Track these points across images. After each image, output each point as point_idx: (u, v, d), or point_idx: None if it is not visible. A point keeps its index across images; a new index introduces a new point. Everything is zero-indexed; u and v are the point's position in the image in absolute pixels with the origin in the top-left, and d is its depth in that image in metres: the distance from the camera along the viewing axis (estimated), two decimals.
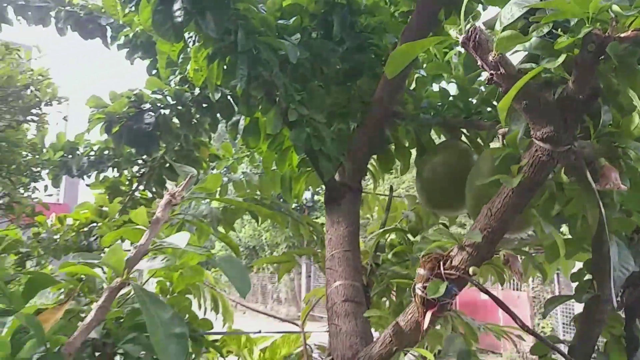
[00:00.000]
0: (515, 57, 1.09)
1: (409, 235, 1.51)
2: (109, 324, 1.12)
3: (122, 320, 1.17)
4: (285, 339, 2.63)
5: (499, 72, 0.95)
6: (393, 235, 1.92)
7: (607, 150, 1.15)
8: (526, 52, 1.04)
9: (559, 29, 0.95)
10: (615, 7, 0.80)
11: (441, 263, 1.12)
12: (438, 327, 1.82)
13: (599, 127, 1.10)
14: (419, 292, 1.13)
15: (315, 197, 14.18)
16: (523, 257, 2.01)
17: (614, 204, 1.25)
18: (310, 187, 2.12)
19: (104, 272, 0.90)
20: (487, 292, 1.15)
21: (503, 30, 0.93)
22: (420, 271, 1.14)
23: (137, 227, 0.93)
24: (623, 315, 1.48)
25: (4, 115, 2.42)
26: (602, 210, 1.08)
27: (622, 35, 0.86)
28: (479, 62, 0.99)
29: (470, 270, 1.09)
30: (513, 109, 1.09)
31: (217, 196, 2.32)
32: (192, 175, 1.02)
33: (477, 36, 0.97)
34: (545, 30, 0.97)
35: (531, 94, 0.99)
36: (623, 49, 0.91)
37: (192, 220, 1.38)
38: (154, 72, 2.87)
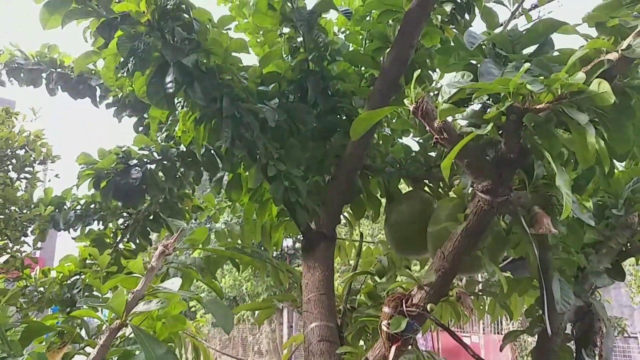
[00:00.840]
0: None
1: (376, 278, 1.65)
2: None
3: None
4: None
5: (442, 136, 1.14)
6: (369, 280, 2.06)
7: (542, 199, 1.34)
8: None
9: (491, 100, 1.16)
10: (528, 86, 1.00)
11: (403, 301, 1.27)
12: None
13: (532, 180, 1.29)
14: (384, 328, 1.27)
15: (297, 245, 14.22)
16: (490, 298, 2.17)
17: (554, 246, 1.44)
18: (291, 235, 2.25)
19: (105, 316, 1.02)
20: (444, 327, 1.30)
21: (444, 103, 1.13)
22: (385, 309, 1.29)
23: (133, 274, 1.07)
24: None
25: (0, 174, 2.55)
26: (537, 252, 1.25)
27: (538, 107, 1.06)
28: (427, 128, 1.18)
29: (429, 307, 1.24)
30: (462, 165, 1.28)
31: (200, 246, 2.44)
32: (182, 228, 1.16)
33: (425, 106, 1.16)
34: (485, 99, 1.18)
35: (471, 153, 1.18)
36: (543, 116, 1.11)
37: (179, 267, 1.51)
38: (140, 129, 3.05)
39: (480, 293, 1.75)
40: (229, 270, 17.40)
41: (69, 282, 3.07)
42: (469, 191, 1.31)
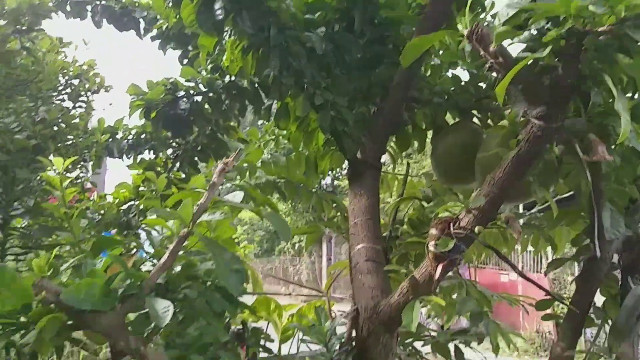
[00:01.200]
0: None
1: (424, 203, 1.69)
2: (168, 273, 1.34)
3: (178, 272, 1.39)
4: (311, 306, 2.84)
5: (497, 60, 1.13)
6: (411, 210, 2.11)
7: (597, 127, 1.32)
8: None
9: (550, 24, 1.12)
10: (591, 7, 0.97)
11: (451, 224, 1.32)
12: (455, 296, 2.01)
13: (588, 108, 1.27)
14: (431, 248, 1.33)
15: (335, 182, 14.39)
16: (534, 231, 2.17)
17: (607, 176, 1.43)
18: (330, 173, 2.30)
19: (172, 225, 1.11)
20: (493, 249, 1.35)
21: (501, 25, 1.11)
22: (433, 231, 1.33)
23: (197, 190, 1.14)
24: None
25: (57, 102, 2.69)
26: (590, 179, 1.26)
27: (600, 29, 1.03)
28: (482, 52, 1.16)
29: (476, 229, 1.28)
30: (516, 93, 1.27)
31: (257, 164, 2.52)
32: (240, 148, 1.22)
33: (480, 30, 1.15)
34: (543, 24, 1.15)
35: (526, 78, 1.16)
36: (604, 40, 1.08)
37: (237, 185, 1.57)
38: (184, 61, 3.09)
39: (536, 228, 1.77)
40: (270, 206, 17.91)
41: (124, 207, 3.28)
42: (521, 119, 1.30)
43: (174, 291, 1.32)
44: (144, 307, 1.13)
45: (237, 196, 1.07)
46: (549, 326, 8.87)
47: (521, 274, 1.40)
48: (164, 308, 0.98)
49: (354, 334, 1.58)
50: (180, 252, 1.32)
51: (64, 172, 1.36)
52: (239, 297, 1.95)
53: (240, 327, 2.49)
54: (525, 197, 1.49)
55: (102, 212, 3.06)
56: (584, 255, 1.57)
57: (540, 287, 1.43)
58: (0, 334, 1.00)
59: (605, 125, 1.34)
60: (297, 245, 16.95)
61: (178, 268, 1.39)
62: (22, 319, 1.04)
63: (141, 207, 3.23)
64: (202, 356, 1.16)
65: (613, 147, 1.35)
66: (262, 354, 2.60)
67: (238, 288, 0.98)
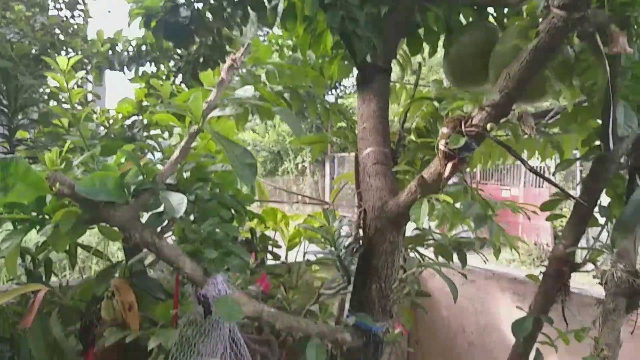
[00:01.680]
0: None
1: (435, 103, 1.65)
2: (179, 175, 1.35)
3: (189, 174, 1.40)
4: (317, 216, 2.91)
5: None
6: (419, 119, 2.08)
7: (619, 18, 1.25)
8: None
9: None
10: None
11: (462, 122, 1.29)
12: (458, 205, 2.04)
13: None
14: (441, 147, 1.32)
15: (339, 101, 14.20)
16: (544, 138, 2.14)
17: (625, 71, 1.38)
18: (334, 92, 2.24)
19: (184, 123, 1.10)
20: (503, 145, 1.33)
21: None
22: (444, 130, 1.31)
23: (207, 88, 1.12)
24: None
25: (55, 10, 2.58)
26: (609, 71, 1.21)
27: None
28: None
29: (488, 126, 1.26)
30: None
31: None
32: (249, 43, 1.18)
33: None
34: None
35: None
36: None
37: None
38: None
39: (544, 134, 1.74)
40: (271, 126, 17.83)
41: (128, 122, 3.25)
42: (542, 10, 1.23)
43: (185, 192, 1.34)
44: (158, 202, 1.15)
45: (248, 90, 1.05)
46: (547, 239, 9.13)
47: (531, 169, 1.40)
48: (179, 200, 0.99)
49: (361, 233, 1.62)
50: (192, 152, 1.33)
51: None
52: (247, 206, 1.99)
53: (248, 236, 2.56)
54: (539, 96, 1.45)
55: (107, 124, 3.04)
56: (593, 154, 1.56)
57: (550, 182, 1.43)
58: (17, 230, 1.02)
59: (627, 17, 1.27)
60: (300, 165, 17.07)
61: (188, 173, 1.41)
62: (37, 215, 1.06)
63: (145, 121, 3.21)
64: (216, 251, 1.19)
65: (634, 40, 1.30)
66: (270, 262, 2.71)
67: (251, 180, 0.98)
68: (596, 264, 1.67)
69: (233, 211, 1.62)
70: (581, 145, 1.65)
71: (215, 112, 1.04)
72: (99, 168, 1.06)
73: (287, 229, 2.81)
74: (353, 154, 1.97)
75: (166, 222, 1.15)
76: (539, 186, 9.72)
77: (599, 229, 1.71)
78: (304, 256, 2.78)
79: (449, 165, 1.31)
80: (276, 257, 2.59)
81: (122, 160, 1.10)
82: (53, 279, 1.93)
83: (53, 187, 0.92)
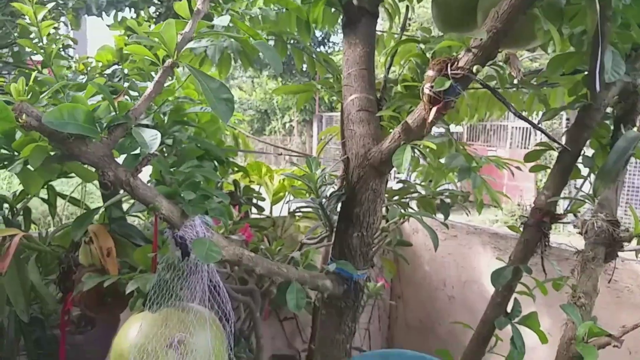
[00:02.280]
0: None
1: (421, 45, 1.61)
2: (156, 117, 1.30)
3: (166, 116, 1.35)
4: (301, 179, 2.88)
5: None
6: (405, 71, 2.04)
7: None
8: None
9: None
10: None
11: (448, 65, 1.26)
12: (442, 160, 2.02)
13: None
14: (426, 91, 1.28)
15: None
16: (529, 91, 2.11)
17: (615, 16, 1.35)
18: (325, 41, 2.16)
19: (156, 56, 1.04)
20: (488, 87, 1.31)
21: None
22: (429, 72, 1.28)
23: (181, 19, 1.06)
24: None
25: None
26: (599, 15, 1.18)
27: None
28: None
29: (474, 68, 1.22)
30: None
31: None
32: None
33: None
34: None
35: None
36: None
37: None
38: None
39: (531, 86, 1.71)
40: (259, 84, 17.56)
41: (109, 71, 3.15)
42: None
43: (163, 135, 1.30)
44: (133, 142, 1.11)
45: (224, 20, 0.99)
46: (529, 200, 9.26)
47: (521, 117, 1.38)
48: (152, 135, 0.95)
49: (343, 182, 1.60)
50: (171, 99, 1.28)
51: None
52: (231, 157, 1.95)
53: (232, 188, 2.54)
54: (527, 39, 1.41)
55: (85, 72, 2.94)
56: (579, 104, 1.54)
57: (536, 127, 1.41)
58: None
59: None
60: (287, 125, 16.94)
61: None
62: (6, 152, 1.02)
63: (126, 71, 3.11)
64: (194, 193, 1.16)
65: None
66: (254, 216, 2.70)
67: (227, 116, 0.94)
68: (577, 215, 1.69)
69: (215, 163, 1.59)
70: (567, 95, 1.62)
71: (191, 44, 0.99)
72: (69, 99, 1.01)
73: (272, 183, 2.80)
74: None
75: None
76: (525, 147, 9.79)
77: (582, 181, 1.71)
78: (288, 210, 2.78)
79: (434, 109, 1.29)
80: (260, 209, 2.58)
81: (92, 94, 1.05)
82: (33, 229, 1.90)
83: (19, 118, 0.88)
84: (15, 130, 1.01)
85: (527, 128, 10.16)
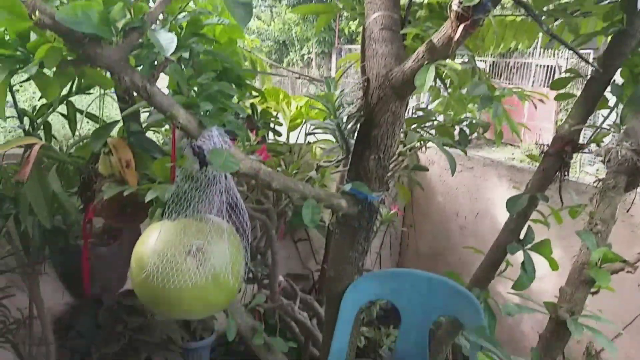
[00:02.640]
0: None
1: None
2: (172, 28, 1.27)
3: (184, 30, 1.32)
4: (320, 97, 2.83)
5: None
6: None
7: None
8: None
9: None
10: None
11: None
12: (463, 90, 1.96)
13: None
14: (454, 7, 1.22)
15: None
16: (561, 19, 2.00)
17: None
18: None
19: None
20: (518, 3, 1.23)
21: None
22: None
23: None
24: None
25: None
26: None
27: None
28: None
29: None
30: None
31: None
32: None
33: None
34: None
35: None
36: None
37: None
38: None
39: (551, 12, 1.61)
40: (277, 13, 16.99)
41: None
42: None
43: (180, 46, 1.27)
44: (150, 50, 1.09)
45: None
46: (548, 140, 9.09)
47: (557, 38, 1.31)
48: (168, 39, 0.92)
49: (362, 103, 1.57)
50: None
51: None
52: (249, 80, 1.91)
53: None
54: None
55: None
56: (613, 29, 1.46)
57: (569, 47, 1.35)
58: (1, 66, 0.97)
59: None
60: (305, 57, 16.53)
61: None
62: (21, 52, 1.01)
63: None
64: (211, 104, 1.15)
65: None
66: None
67: (245, 20, 0.91)
68: (600, 145, 1.65)
69: (233, 85, 1.56)
70: (602, 20, 1.54)
71: None
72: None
73: (289, 109, 2.76)
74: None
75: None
76: (547, 86, 9.49)
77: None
78: (305, 138, 2.77)
79: (461, 27, 1.23)
80: (277, 134, 2.57)
81: None
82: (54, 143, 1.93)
83: (33, 15, 0.86)
84: (29, 31, 1.00)
85: (551, 67, 9.79)
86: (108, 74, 1.11)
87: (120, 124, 1.59)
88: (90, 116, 1.83)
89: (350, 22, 12.33)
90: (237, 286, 1.32)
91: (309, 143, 2.82)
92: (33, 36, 1.00)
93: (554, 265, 1.68)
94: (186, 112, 1.09)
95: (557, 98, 1.74)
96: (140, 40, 0.99)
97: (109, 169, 1.40)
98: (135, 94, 1.26)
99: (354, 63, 2.72)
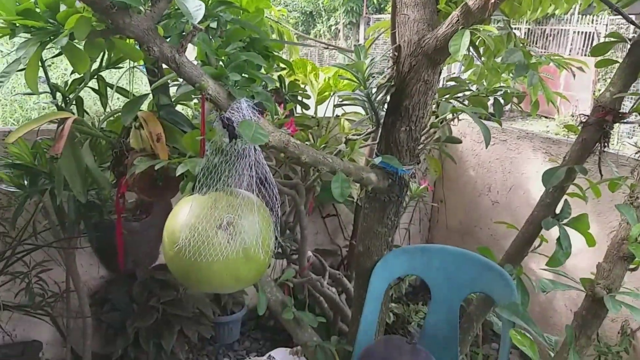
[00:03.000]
0: None
1: None
2: None
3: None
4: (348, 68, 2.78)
5: None
6: None
7: None
8: None
9: None
10: None
11: None
12: (497, 59, 1.88)
13: None
14: None
15: None
16: None
17: None
18: None
19: None
20: None
21: None
22: None
23: None
24: None
25: None
26: None
27: None
28: None
29: None
30: None
31: None
32: None
33: None
34: None
35: None
36: None
37: None
38: None
39: None
40: None
41: None
42: None
43: (207, 17, 1.25)
44: (178, 20, 1.08)
45: None
46: (586, 111, 8.78)
47: None
48: (196, 6, 0.91)
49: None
50: None
51: None
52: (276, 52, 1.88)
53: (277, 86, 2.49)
54: None
55: None
56: None
57: (619, 12, 1.27)
58: (32, 39, 0.97)
59: None
60: (333, 28, 16.28)
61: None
62: (52, 26, 1.01)
63: None
64: (239, 75, 1.13)
65: None
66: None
67: None
68: None
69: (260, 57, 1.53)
70: None
71: None
72: None
73: (317, 81, 2.72)
74: (389, 15, 1.79)
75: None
76: (585, 54, 9.12)
77: None
78: (333, 111, 2.73)
79: None
80: (305, 107, 2.54)
81: None
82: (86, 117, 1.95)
83: None
84: (58, 2, 0.99)
85: (589, 34, 9.38)
86: (137, 46, 1.10)
87: (150, 98, 1.60)
88: (121, 90, 1.84)
89: None
90: (267, 260, 1.32)
91: (337, 116, 2.79)
92: (62, 8, 1.00)
93: (590, 241, 1.62)
94: (215, 83, 1.08)
95: (598, 65, 1.66)
96: (168, 9, 0.97)
97: (140, 143, 1.41)
98: (164, 66, 1.25)
99: (384, 31, 2.65)
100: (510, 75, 2.15)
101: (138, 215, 2.16)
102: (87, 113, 1.94)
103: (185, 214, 1.26)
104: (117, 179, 1.60)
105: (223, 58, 1.15)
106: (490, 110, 1.97)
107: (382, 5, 12.76)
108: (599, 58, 1.68)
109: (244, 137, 1.03)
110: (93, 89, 1.86)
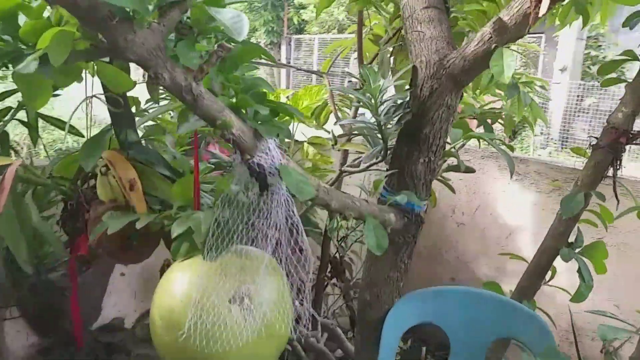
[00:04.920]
0: None
1: None
2: None
3: None
4: (307, 90, 2.59)
5: None
6: None
7: None
8: None
9: None
10: None
11: None
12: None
13: None
14: None
15: None
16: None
17: None
18: None
19: None
20: None
21: None
22: None
23: None
24: None
25: None
26: None
27: None
28: None
29: None
30: None
31: None
32: None
33: None
34: None
35: None
36: None
37: None
38: None
39: None
40: None
41: None
42: None
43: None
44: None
45: None
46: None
47: None
48: (234, 17, 0.65)
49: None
50: None
51: None
52: None
53: None
54: None
55: None
56: None
57: None
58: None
59: None
60: None
61: None
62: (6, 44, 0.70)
63: None
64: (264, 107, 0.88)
65: None
66: None
67: None
68: None
69: None
70: None
71: None
72: None
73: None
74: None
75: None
76: None
77: None
78: (292, 136, 2.51)
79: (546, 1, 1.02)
80: None
81: None
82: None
83: None
84: (16, 13, 0.69)
85: None
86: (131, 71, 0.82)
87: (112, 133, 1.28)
88: (55, 121, 1.49)
89: (301, 11, 11.96)
90: (288, 332, 1.06)
91: (297, 141, 2.57)
92: (21, 20, 0.70)
93: (601, 269, 1.54)
94: (238, 119, 0.81)
95: (603, 84, 1.58)
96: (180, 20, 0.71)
97: (110, 193, 1.09)
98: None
99: (342, 51, 2.49)
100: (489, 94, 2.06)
101: (77, 269, 1.79)
102: (16, 151, 1.56)
103: (183, 287, 0.97)
104: (70, 238, 1.25)
105: (234, 85, 0.89)
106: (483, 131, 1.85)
107: (302, 27, 12.75)
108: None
109: (288, 189, 0.78)
110: (21, 121, 1.49)
